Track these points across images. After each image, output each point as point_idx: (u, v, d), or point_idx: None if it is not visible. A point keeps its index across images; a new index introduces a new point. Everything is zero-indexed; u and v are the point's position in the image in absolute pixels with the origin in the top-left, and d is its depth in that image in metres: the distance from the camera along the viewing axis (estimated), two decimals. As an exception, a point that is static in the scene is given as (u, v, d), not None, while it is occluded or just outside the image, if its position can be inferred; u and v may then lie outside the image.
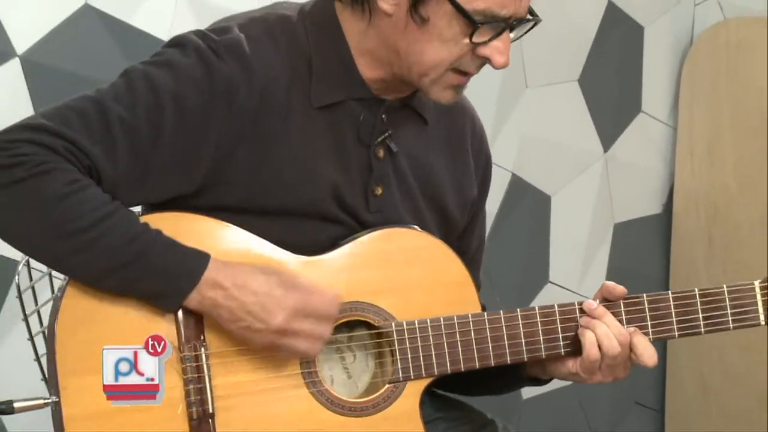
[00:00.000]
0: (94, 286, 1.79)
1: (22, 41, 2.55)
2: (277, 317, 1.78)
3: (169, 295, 1.79)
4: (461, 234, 2.02)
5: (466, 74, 1.87)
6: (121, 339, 1.81)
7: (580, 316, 1.92)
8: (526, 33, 1.86)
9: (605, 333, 1.90)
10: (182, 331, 1.81)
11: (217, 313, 1.80)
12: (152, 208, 1.87)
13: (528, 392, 3.31)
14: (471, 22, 1.81)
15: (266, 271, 1.80)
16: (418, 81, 1.87)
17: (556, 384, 2.05)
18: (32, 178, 1.75)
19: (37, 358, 1.96)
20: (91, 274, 1.78)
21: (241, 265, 1.80)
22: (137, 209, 1.88)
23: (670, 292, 1.94)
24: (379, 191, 1.92)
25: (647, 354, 1.91)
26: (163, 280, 1.78)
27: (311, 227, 1.87)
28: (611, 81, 3.48)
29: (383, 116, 1.91)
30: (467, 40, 1.82)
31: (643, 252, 3.56)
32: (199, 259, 1.79)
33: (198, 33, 1.86)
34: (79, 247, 1.76)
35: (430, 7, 1.81)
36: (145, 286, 1.78)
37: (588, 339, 1.90)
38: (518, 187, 3.31)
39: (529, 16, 1.85)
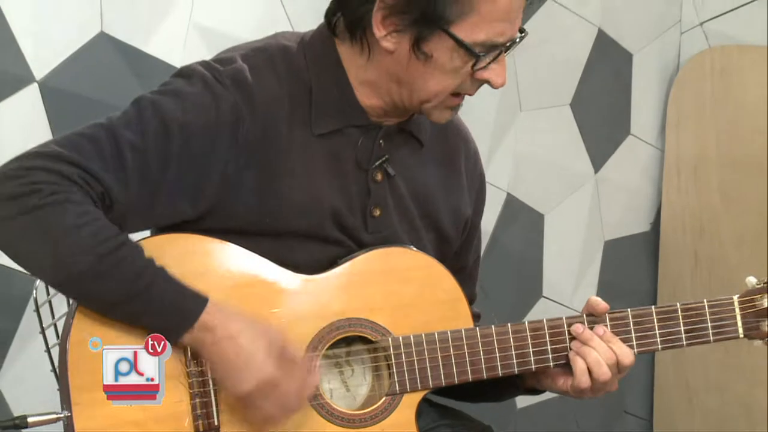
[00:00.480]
0: (100, 314, 1.79)
1: (40, 67, 2.54)
2: (246, 384, 1.77)
3: (166, 332, 1.78)
4: (457, 251, 2.02)
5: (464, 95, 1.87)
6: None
7: (569, 332, 1.91)
8: (516, 47, 1.85)
9: (596, 360, 1.90)
10: (188, 348, 1.81)
11: (202, 352, 1.79)
12: (160, 229, 1.87)
13: (522, 401, 3.30)
14: (472, 54, 1.80)
15: (258, 331, 1.79)
16: (418, 107, 1.86)
17: (549, 394, 2.04)
18: (46, 207, 1.74)
19: (54, 369, 1.95)
20: (95, 305, 1.78)
21: (236, 315, 1.79)
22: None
23: (653, 307, 1.94)
24: (377, 213, 1.91)
25: (628, 360, 1.91)
26: (162, 319, 1.78)
27: (312, 248, 1.87)
28: (602, 105, 3.48)
29: (381, 141, 1.90)
30: (468, 69, 1.82)
31: (632, 268, 3.55)
32: (197, 303, 1.78)
33: (204, 63, 1.86)
34: (84, 280, 1.75)
35: (432, 44, 1.80)
36: (146, 321, 1.78)
37: (579, 367, 1.90)
38: (513, 206, 3.30)
39: (518, 34, 1.84)
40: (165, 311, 1.77)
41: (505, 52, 1.82)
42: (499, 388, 1.97)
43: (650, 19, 3.53)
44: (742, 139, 3.42)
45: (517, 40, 1.83)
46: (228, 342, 1.77)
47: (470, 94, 1.87)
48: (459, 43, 1.79)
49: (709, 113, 3.48)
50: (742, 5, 3.50)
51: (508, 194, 3.29)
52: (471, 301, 1.98)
